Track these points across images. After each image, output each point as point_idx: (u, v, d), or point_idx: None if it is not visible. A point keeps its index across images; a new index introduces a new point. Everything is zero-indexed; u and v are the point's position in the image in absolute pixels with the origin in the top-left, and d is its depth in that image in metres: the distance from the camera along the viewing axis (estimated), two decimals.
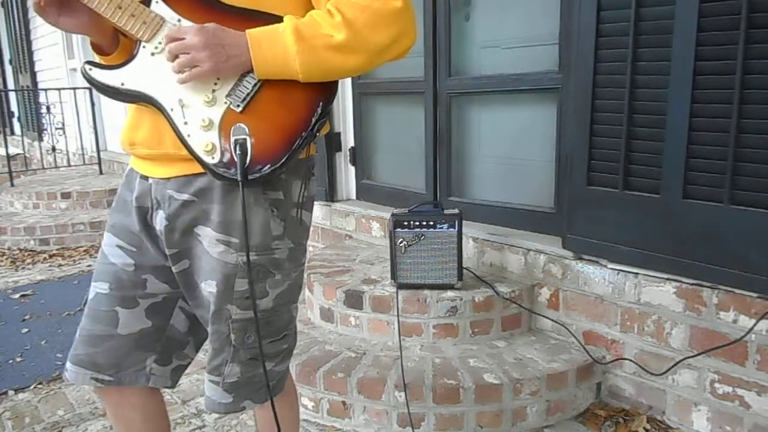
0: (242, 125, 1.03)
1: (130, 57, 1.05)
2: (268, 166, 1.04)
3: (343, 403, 1.92)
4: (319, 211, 3.21)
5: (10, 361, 2.49)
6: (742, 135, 1.60)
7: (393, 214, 2.14)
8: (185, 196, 1.09)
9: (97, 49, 1.12)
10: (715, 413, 1.76)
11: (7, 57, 9.43)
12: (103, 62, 1.10)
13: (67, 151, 6.63)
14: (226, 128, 1.03)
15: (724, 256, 1.66)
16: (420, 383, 1.84)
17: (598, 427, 1.88)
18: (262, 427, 1.29)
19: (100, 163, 5.75)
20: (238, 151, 1.02)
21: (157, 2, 1.03)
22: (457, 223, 2.09)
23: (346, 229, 3.05)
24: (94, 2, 1.01)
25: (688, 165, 1.70)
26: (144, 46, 1.04)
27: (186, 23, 1.03)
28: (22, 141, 7.21)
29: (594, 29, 1.85)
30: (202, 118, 1.03)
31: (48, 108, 6.17)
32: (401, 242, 2.12)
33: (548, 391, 1.87)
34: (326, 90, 1.07)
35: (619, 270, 1.94)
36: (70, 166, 6.36)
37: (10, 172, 5.25)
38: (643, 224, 1.83)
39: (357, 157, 3.14)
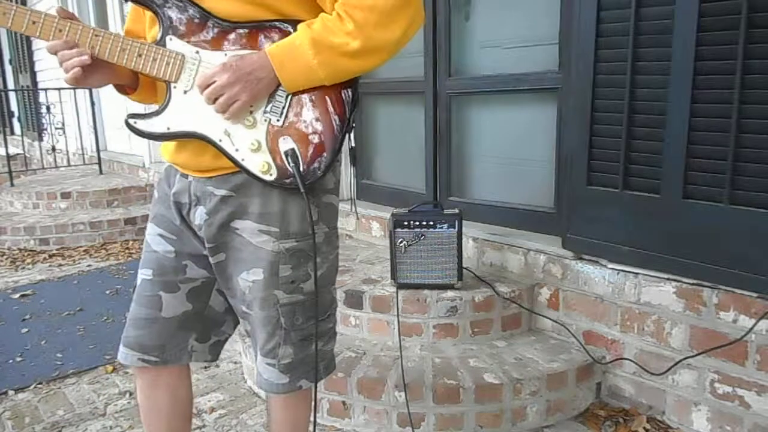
0: (287, 137, 1.10)
1: (166, 100, 1.11)
2: (321, 166, 1.12)
3: (343, 403, 1.92)
4: None
5: (10, 361, 2.49)
6: (742, 135, 1.60)
7: (393, 214, 2.14)
8: (224, 192, 1.15)
9: (122, 90, 1.21)
10: (715, 413, 1.76)
11: (7, 57, 9.43)
12: (143, 99, 1.21)
13: (67, 151, 6.63)
14: (274, 144, 1.10)
15: (724, 256, 1.66)
16: (420, 383, 1.84)
17: (598, 427, 1.88)
18: (275, 425, 1.33)
19: (100, 163, 5.75)
20: (291, 163, 1.09)
21: (171, 39, 1.09)
22: (457, 223, 2.09)
23: (346, 229, 3.05)
24: (116, 57, 1.08)
25: (688, 165, 1.70)
26: (175, 86, 1.10)
27: (204, 53, 1.09)
28: (22, 141, 7.21)
29: (594, 29, 1.85)
30: (251, 142, 1.10)
31: (48, 108, 6.18)
32: (401, 242, 2.12)
33: (548, 391, 1.87)
34: (349, 82, 1.13)
35: (619, 270, 1.94)
36: (70, 166, 6.36)
37: (10, 172, 5.25)
38: (643, 224, 1.83)
39: (357, 157, 3.14)
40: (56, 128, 6.31)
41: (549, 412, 1.89)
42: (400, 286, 2.13)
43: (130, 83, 1.21)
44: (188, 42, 1.09)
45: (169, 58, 1.08)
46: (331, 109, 1.12)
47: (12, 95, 9.15)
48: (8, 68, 9.44)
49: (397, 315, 2.08)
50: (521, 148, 2.45)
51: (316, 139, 1.11)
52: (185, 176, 1.20)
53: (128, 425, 2.01)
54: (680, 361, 1.81)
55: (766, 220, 1.57)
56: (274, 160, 1.10)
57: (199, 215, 1.18)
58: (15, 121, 9.29)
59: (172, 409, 1.36)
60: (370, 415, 1.90)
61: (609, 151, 1.88)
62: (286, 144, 1.10)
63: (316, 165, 1.11)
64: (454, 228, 2.09)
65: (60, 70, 1.09)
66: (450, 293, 2.09)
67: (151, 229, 1.26)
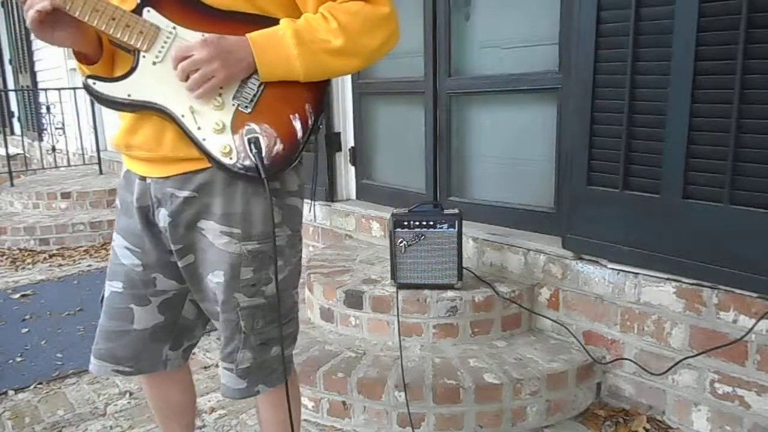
0: (253, 125, 1.08)
1: (132, 68, 1.07)
2: (284, 160, 1.10)
3: (343, 403, 1.92)
4: (319, 211, 3.21)
5: (10, 361, 2.49)
6: (742, 135, 1.60)
7: (393, 214, 2.14)
8: (186, 193, 1.12)
9: (83, 58, 1.14)
10: (715, 413, 1.76)
11: (7, 57, 9.43)
12: (100, 74, 1.12)
13: (67, 151, 6.63)
14: (238, 129, 1.08)
15: (724, 256, 1.66)
16: (420, 383, 1.84)
17: (598, 427, 1.88)
18: (265, 426, 1.32)
19: (100, 163, 5.75)
20: (254, 150, 1.07)
21: (149, 11, 1.05)
22: (457, 223, 2.09)
23: (346, 229, 3.05)
24: (88, 16, 1.02)
25: (688, 165, 1.70)
26: (144, 56, 1.06)
27: (181, 30, 1.06)
28: (22, 141, 7.20)
29: (594, 29, 1.85)
30: (215, 122, 1.08)
31: (48, 108, 6.17)
32: (401, 242, 2.12)
33: (548, 391, 1.87)
34: (321, 84, 1.14)
35: (619, 270, 1.94)
36: (70, 166, 6.36)
37: (10, 172, 5.25)
38: (643, 224, 1.83)
39: (357, 157, 3.14)
40: (56, 128, 6.31)
41: (549, 412, 1.89)
42: (400, 286, 2.13)
43: (93, 53, 1.13)
44: (167, 17, 1.06)
45: (143, 27, 1.05)
46: (299, 106, 1.12)
47: (12, 95, 9.15)
48: (8, 68, 9.43)
49: (397, 315, 2.08)
50: (521, 148, 2.45)
51: (281, 133, 1.10)
52: (143, 179, 1.17)
53: (128, 425, 2.01)
54: (680, 361, 1.81)
55: (766, 220, 1.57)
56: (236, 144, 1.08)
57: (162, 218, 1.16)
58: (15, 121, 9.29)
59: (183, 397, 1.42)
60: (370, 415, 1.90)
61: (609, 151, 1.88)
62: (250, 132, 1.08)
63: (278, 158, 1.10)
64: (454, 228, 2.09)
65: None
66: (450, 293, 2.09)
67: (119, 241, 1.24)
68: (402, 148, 2.93)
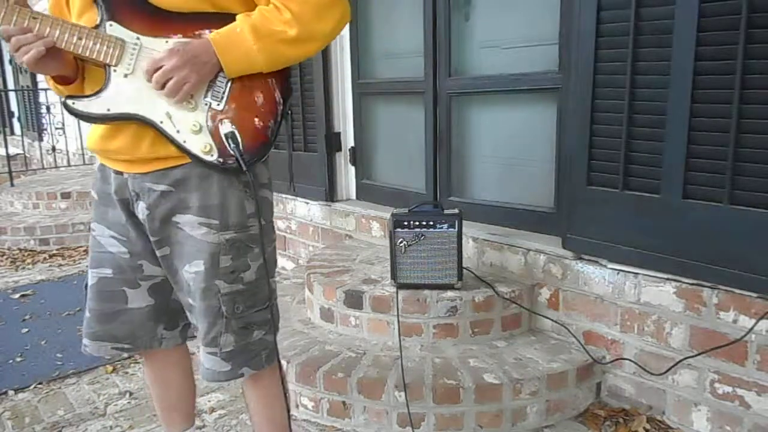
0: (227, 121, 1.15)
1: (104, 83, 1.12)
2: (261, 148, 1.18)
3: (343, 403, 1.92)
4: (319, 211, 3.21)
5: (10, 361, 2.49)
6: (742, 135, 1.60)
7: (393, 214, 2.14)
8: (163, 187, 1.18)
9: (60, 80, 1.20)
10: (715, 413, 1.76)
11: (7, 57, 9.43)
12: (76, 93, 1.18)
13: (67, 151, 6.63)
14: (214, 126, 1.15)
15: (724, 256, 1.66)
16: (420, 383, 1.84)
17: (598, 427, 1.88)
18: (257, 417, 1.37)
19: None
20: (231, 144, 1.14)
21: (111, 25, 1.11)
22: (457, 223, 2.08)
23: (346, 229, 3.05)
24: (56, 39, 1.07)
25: (688, 165, 1.70)
26: (115, 70, 1.12)
27: (145, 39, 1.12)
28: (22, 141, 7.21)
29: (594, 29, 1.85)
30: (192, 123, 1.14)
31: (48, 108, 6.18)
32: (401, 242, 2.12)
33: (548, 391, 1.87)
34: (284, 71, 1.22)
35: (619, 270, 1.94)
36: (70, 166, 6.35)
37: (10, 172, 5.25)
38: (643, 224, 1.83)
39: (357, 157, 3.14)
40: (56, 128, 6.31)
41: (549, 413, 1.89)
42: (400, 286, 2.13)
43: (72, 74, 1.20)
44: (128, 28, 1.11)
45: (109, 42, 1.10)
46: (268, 96, 1.19)
47: (12, 95, 9.15)
48: (8, 68, 9.44)
49: (397, 315, 2.08)
50: (521, 148, 2.45)
51: (254, 124, 1.17)
52: (120, 173, 1.21)
53: (128, 425, 2.01)
54: (680, 361, 1.81)
55: (766, 220, 1.57)
56: (215, 141, 1.14)
57: (141, 210, 1.21)
58: (15, 121, 9.29)
59: (184, 382, 1.46)
60: (370, 415, 1.90)
61: (609, 151, 1.88)
62: (225, 127, 1.14)
63: (255, 147, 1.17)
64: (454, 228, 2.09)
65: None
66: (450, 293, 2.09)
67: (101, 230, 1.28)
68: (402, 148, 2.93)
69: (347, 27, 2.96)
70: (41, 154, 6.82)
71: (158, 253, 1.24)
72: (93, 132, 1.21)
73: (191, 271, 1.20)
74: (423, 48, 2.62)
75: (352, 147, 3.14)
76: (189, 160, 1.16)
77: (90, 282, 1.31)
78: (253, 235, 1.22)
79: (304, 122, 3.17)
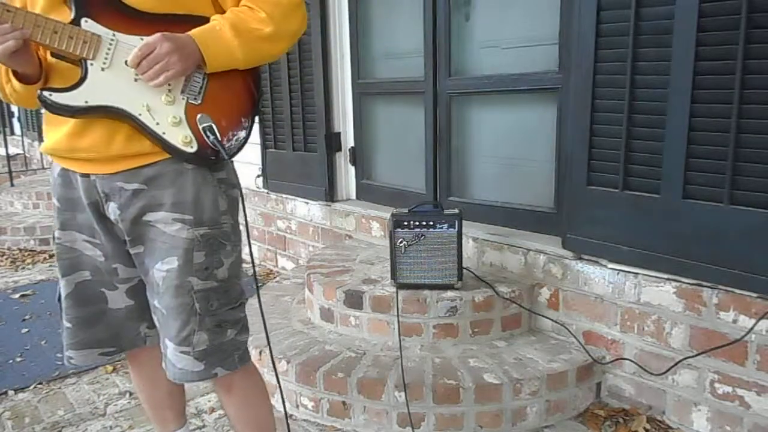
0: (205, 114, 1.18)
1: (81, 76, 1.12)
2: (239, 140, 1.23)
3: (343, 403, 1.92)
4: (319, 210, 3.21)
5: (10, 361, 2.49)
6: (742, 135, 1.60)
7: (393, 214, 2.14)
8: (135, 185, 1.18)
9: (22, 78, 1.18)
10: (715, 413, 1.76)
11: None
12: (56, 86, 1.16)
13: None
14: (192, 120, 1.17)
15: (724, 256, 1.66)
16: (420, 383, 1.84)
17: (598, 427, 1.89)
18: (238, 423, 1.37)
19: None
20: (211, 136, 1.17)
21: (86, 21, 1.11)
22: (457, 223, 2.08)
23: (346, 229, 3.05)
24: (31, 32, 1.06)
25: (688, 165, 1.70)
26: (92, 64, 1.12)
27: (121, 36, 1.13)
28: (22, 141, 7.21)
29: (594, 29, 1.85)
30: (172, 116, 1.16)
31: None
32: (401, 242, 2.12)
33: (548, 391, 1.87)
34: (255, 68, 1.27)
35: (619, 270, 1.94)
36: None
37: (10, 172, 5.25)
38: (643, 224, 1.83)
39: (357, 157, 3.14)
40: None
41: (549, 412, 1.89)
42: (400, 286, 2.13)
43: (34, 73, 1.17)
44: (104, 25, 1.12)
45: (86, 37, 1.10)
46: (244, 92, 1.25)
47: None
48: None
49: (397, 315, 2.08)
50: (521, 148, 2.45)
51: (232, 117, 1.22)
52: (86, 176, 1.20)
53: (128, 425, 2.01)
54: (680, 361, 1.81)
55: (766, 220, 1.57)
56: (194, 134, 1.17)
57: (112, 210, 1.21)
58: (15, 121, 9.29)
59: (170, 381, 1.41)
60: (370, 415, 1.90)
61: (609, 151, 1.88)
62: (204, 120, 1.18)
63: (232, 141, 1.21)
64: (454, 228, 2.09)
65: None
66: (450, 293, 2.09)
67: (71, 236, 1.27)
68: (402, 148, 2.93)
69: (347, 26, 2.98)
70: (41, 154, 6.81)
71: (132, 251, 1.23)
72: (58, 131, 1.19)
73: (163, 269, 1.19)
74: (423, 48, 2.62)
75: (352, 147, 3.14)
76: (161, 158, 1.17)
77: (64, 292, 1.30)
78: (226, 232, 1.23)
79: (304, 122, 3.17)
